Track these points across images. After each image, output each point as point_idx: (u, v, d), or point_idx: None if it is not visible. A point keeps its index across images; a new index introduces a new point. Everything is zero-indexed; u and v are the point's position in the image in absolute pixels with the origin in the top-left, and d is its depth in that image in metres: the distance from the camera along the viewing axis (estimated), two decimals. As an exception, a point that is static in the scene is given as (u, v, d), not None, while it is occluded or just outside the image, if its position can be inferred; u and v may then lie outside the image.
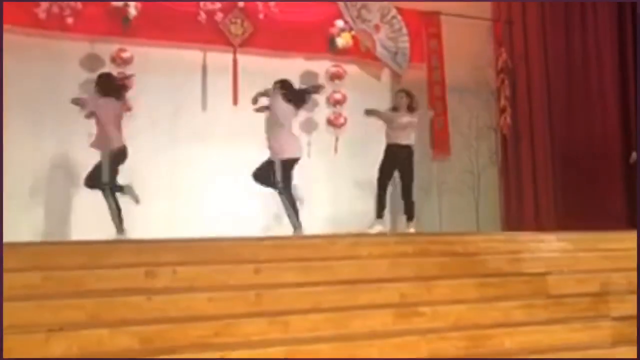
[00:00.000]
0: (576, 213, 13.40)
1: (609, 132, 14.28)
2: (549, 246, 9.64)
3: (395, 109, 11.36)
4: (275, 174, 10.09)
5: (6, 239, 8.27)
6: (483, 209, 12.84)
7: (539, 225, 13.14)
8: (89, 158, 10.14)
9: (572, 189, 13.83)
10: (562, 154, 13.96)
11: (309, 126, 12.36)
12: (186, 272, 7.50)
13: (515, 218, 13.39)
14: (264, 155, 10.47)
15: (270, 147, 10.16)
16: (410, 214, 11.17)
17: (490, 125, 13.55)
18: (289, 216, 10.16)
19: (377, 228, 10.96)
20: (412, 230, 11.03)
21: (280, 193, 10.14)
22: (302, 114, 12.20)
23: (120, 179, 9.91)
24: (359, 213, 11.86)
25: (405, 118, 11.14)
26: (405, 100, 11.24)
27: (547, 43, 14.24)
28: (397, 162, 11.12)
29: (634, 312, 8.02)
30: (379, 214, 11.14)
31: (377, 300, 7.63)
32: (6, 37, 10.34)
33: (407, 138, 11.18)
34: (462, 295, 8.02)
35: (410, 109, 11.23)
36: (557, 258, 9.20)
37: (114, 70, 10.95)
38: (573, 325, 7.77)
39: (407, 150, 11.16)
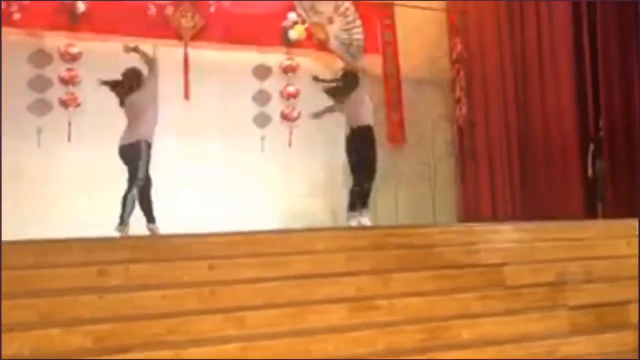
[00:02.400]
0: (533, 203, 13.45)
1: (565, 121, 14.28)
2: (505, 237, 9.62)
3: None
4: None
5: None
6: (440, 200, 12.83)
7: (496, 216, 13.19)
8: (36, 155, 10.03)
9: (528, 179, 13.87)
10: (518, 145, 13.98)
11: (263, 120, 12.26)
12: (139, 270, 7.41)
13: (472, 209, 13.40)
14: (215, 149, 10.38)
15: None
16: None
17: (446, 116, 13.56)
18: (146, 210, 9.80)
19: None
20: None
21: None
22: (256, 108, 12.15)
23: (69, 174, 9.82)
24: (314, 206, 11.82)
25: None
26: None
27: (502, 33, 14.25)
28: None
29: (591, 301, 8.09)
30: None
31: (333, 295, 7.57)
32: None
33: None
34: (419, 288, 7.99)
35: None
36: (514, 248, 9.19)
37: (63, 66, 10.81)
38: (530, 315, 7.77)
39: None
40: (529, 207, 13.35)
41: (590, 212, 13.28)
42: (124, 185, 10.89)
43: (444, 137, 13.52)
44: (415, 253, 8.74)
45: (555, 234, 9.74)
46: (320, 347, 6.79)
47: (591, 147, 13.20)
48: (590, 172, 13.11)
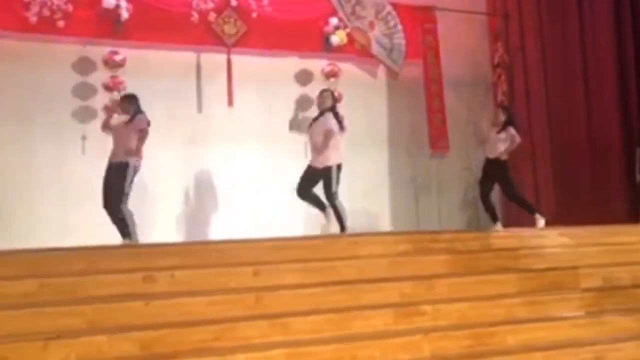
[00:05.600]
0: (577, 208, 13.31)
1: (609, 124, 14.18)
2: (550, 241, 9.60)
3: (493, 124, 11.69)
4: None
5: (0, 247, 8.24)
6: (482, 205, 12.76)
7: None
8: (81, 163, 10.11)
9: (572, 183, 13.71)
10: (562, 148, 13.84)
11: (305, 125, 12.22)
12: (185, 276, 7.45)
13: (515, 214, 13.26)
14: (259, 156, 10.39)
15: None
16: (529, 210, 11.55)
17: (488, 120, 13.45)
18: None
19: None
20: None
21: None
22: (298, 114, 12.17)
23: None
24: (358, 212, 11.78)
25: (492, 134, 11.50)
26: (502, 117, 11.58)
27: (543, 36, 14.12)
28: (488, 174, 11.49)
29: (638, 306, 8.01)
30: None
31: (378, 300, 7.58)
32: (-5, 41, 10.32)
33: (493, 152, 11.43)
34: (464, 293, 7.97)
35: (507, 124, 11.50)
36: (559, 254, 9.16)
37: (106, 74, 10.87)
38: (577, 321, 7.74)
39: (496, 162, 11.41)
40: (572, 211, 13.20)
41: (635, 216, 13.15)
42: (167, 191, 10.99)
43: (487, 142, 13.46)
44: (459, 258, 8.74)
45: (600, 239, 9.70)
46: (365, 353, 6.79)
47: (638, 151, 13.07)
48: (638, 177, 12.97)
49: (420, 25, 13.43)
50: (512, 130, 11.44)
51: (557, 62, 14.18)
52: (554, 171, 13.77)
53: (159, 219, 10.79)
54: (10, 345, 6.10)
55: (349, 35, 12.60)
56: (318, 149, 10.25)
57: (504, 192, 11.64)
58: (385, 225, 12.23)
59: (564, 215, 13.12)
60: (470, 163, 12.92)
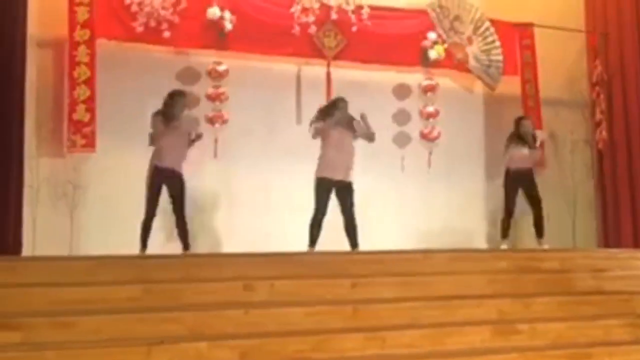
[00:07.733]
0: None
1: None
2: (648, 264, 9.49)
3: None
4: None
5: (106, 252, 8.44)
6: (579, 224, 12.62)
7: (637, 242, 12.84)
8: (184, 169, 10.26)
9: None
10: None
11: (402, 140, 12.30)
12: (283, 286, 7.56)
13: (613, 234, 13.10)
14: (355, 167, 10.44)
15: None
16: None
17: (586, 139, 13.34)
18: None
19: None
20: (545, 247, 11.13)
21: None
22: (395, 128, 12.21)
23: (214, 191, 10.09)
24: (452, 228, 11.79)
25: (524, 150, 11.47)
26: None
27: (644, 55, 13.91)
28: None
29: None
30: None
31: (474, 317, 7.61)
32: (103, 50, 10.51)
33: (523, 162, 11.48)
34: (561, 313, 7.97)
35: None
36: (659, 276, 9.05)
37: (210, 84, 11.04)
38: (676, 345, 7.63)
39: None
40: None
41: None
42: (267, 203, 11.10)
43: (584, 161, 13.31)
44: (557, 277, 8.73)
45: (701, 264, 9.56)
46: (462, 369, 6.83)
47: None
48: None
49: (519, 41, 13.38)
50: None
51: (657, 82, 13.95)
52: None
53: (256, 229, 10.89)
54: (116, 349, 6.27)
55: (446, 50, 12.62)
56: (348, 162, 10.24)
57: (533, 204, 11.46)
58: (481, 242, 12.19)
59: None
60: (568, 181, 12.81)
